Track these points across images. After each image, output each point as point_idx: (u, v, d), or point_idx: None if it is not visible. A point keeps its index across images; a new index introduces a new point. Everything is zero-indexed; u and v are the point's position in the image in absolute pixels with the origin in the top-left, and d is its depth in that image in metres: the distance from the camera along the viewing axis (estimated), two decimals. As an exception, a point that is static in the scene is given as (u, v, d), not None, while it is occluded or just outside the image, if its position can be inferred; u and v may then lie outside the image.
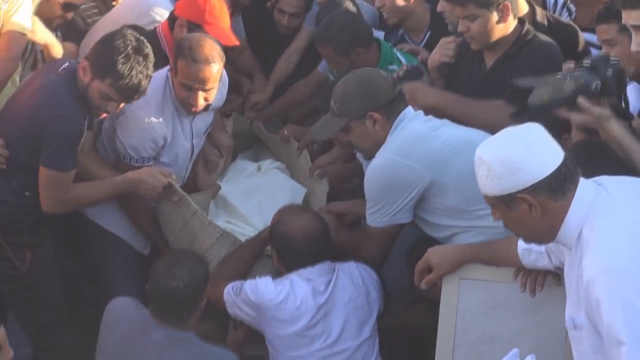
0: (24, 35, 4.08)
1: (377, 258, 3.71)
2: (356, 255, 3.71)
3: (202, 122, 4.17)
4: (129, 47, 3.57)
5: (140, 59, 3.58)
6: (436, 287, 3.29)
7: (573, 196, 2.46)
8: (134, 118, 3.88)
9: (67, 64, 3.77)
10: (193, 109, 3.91)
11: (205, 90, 3.86)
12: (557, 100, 2.91)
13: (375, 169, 3.48)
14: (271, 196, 4.25)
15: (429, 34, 4.73)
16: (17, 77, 4.26)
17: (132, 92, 3.61)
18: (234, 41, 4.28)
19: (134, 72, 3.56)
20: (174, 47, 3.98)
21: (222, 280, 3.63)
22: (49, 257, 3.86)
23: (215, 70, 3.84)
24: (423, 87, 3.84)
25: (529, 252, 3.00)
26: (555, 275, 3.04)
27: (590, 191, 2.48)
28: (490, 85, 3.82)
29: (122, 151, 3.93)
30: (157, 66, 3.85)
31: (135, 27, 3.93)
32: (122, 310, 3.30)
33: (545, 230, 2.52)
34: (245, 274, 3.76)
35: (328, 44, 4.37)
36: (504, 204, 2.49)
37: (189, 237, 3.88)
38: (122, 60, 3.54)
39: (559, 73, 3.02)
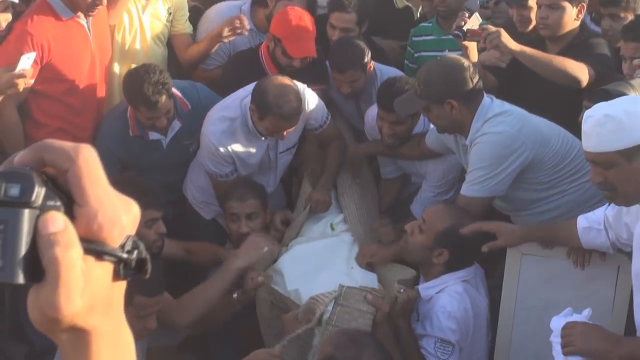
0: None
1: None
2: None
3: (293, 135, 4.26)
4: None
5: None
6: None
7: None
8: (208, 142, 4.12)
9: None
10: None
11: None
12: None
13: (494, 138, 3.66)
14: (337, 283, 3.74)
15: None
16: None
17: None
18: (313, 53, 4.43)
19: None
20: (255, 94, 4.02)
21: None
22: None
23: (302, 111, 4.03)
24: (507, 35, 4.07)
25: (589, 230, 3.29)
26: (601, 254, 3.43)
27: None
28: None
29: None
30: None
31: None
32: None
33: None
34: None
35: None
36: (625, 157, 2.68)
37: None
38: None
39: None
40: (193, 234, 4.31)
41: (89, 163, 0.82)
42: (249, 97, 4.06)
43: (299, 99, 3.99)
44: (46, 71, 4.18)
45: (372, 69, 4.54)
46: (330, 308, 3.39)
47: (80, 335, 0.83)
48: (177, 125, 4.31)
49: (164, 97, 4.05)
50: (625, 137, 2.67)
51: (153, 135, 4.30)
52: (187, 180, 4.53)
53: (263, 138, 4.16)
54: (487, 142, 3.70)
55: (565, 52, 4.20)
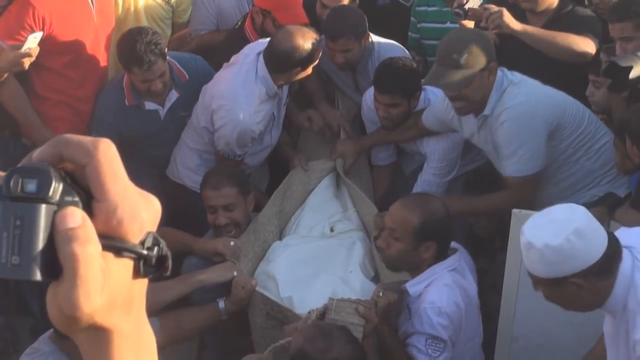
0: None
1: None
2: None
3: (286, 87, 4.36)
4: None
5: None
6: None
7: (618, 270, 2.55)
8: (231, 117, 4.07)
9: None
10: None
11: None
12: None
13: (518, 111, 3.68)
14: (333, 291, 3.63)
15: None
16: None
17: None
18: (305, 19, 4.38)
19: None
20: (286, 62, 4.10)
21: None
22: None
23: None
24: (509, 15, 4.04)
25: None
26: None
27: (629, 261, 2.56)
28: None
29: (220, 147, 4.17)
30: None
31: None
32: None
33: (591, 304, 2.63)
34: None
35: None
36: (553, 285, 2.60)
37: None
38: None
39: None
40: (199, 219, 4.10)
41: (108, 158, 0.80)
42: (262, 68, 4.09)
43: (301, 26, 4.14)
44: (47, 44, 4.16)
45: (369, 40, 4.46)
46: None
47: (100, 335, 0.80)
48: (174, 95, 4.29)
49: (157, 58, 4.06)
50: (549, 269, 2.58)
51: (150, 105, 4.29)
52: (179, 168, 4.43)
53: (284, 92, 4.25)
54: (514, 117, 3.71)
55: (551, 26, 4.18)
